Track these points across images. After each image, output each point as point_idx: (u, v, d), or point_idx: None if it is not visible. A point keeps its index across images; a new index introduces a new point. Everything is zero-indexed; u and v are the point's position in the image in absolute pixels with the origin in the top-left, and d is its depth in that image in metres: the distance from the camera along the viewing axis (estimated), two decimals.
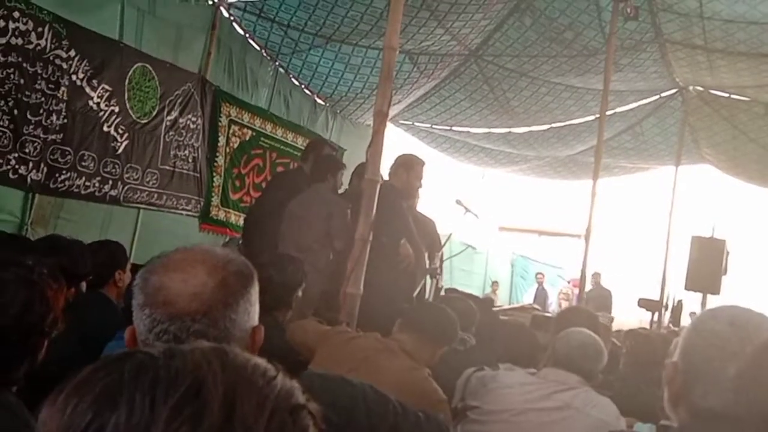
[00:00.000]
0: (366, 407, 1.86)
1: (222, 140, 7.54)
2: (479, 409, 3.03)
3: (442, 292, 5.67)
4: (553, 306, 15.90)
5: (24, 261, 1.91)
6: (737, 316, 1.50)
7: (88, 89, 5.78)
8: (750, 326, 1.46)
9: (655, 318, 10.84)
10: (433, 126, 11.36)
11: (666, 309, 11.02)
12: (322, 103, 9.44)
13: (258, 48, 8.14)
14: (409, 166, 5.40)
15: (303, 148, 8.13)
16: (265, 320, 1.51)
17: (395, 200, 5.03)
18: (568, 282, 16.91)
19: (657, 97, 10.57)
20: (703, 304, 11.94)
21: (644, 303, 11.30)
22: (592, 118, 10.37)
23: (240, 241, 6.83)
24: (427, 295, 5.05)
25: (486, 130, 11.32)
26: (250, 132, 7.94)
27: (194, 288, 1.37)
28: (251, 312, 1.43)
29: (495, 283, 16.86)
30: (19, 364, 1.76)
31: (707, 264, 10.66)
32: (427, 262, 5.29)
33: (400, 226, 4.99)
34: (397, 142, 13.94)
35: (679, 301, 11.63)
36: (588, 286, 11.33)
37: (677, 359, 1.53)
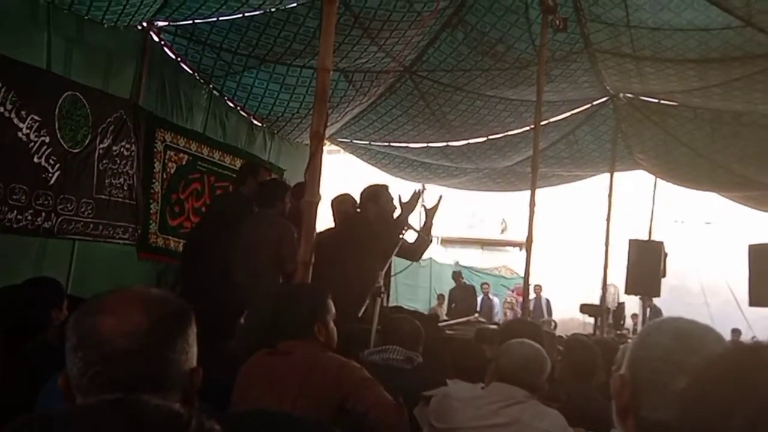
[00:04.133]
0: None
1: (158, 166, 7.42)
2: (432, 427, 3.02)
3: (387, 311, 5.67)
4: (499, 315, 16.10)
5: None
6: (682, 329, 1.52)
7: (16, 120, 5.62)
8: (694, 339, 1.48)
9: (598, 323, 11.01)
10: (372, 143, 11.38)
11: (608, 313, 11.20)
12: (259, 124, 9.37)
13: (191, 71, 8.04)
14: (375, 197, 5.52)
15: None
16: (209, 352, 1.48)
17: (363, 232, 5.33)
18: (512, 291, 17.11)
19: (589, 105, 10.76)
20: (643, 306, 12.21)
21: (586, 309, 11.50)
22: (527, 128, 10.51)
23: (179, 268, 6.73)
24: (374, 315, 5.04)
25: (424, 144, 11.37)
26: (186, 156, 7.83)
27: (129, 328, 1.33)
28: (189, 353, 1.40)
29: (441, 296, 16.94)
30: None
31: (646, 267, 10.90)
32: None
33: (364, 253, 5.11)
34: (335, 162, 14.00)
35: (619, 305, 11.87)
36: (531, 295, 11.50)
37: (624, 372, 1.54)
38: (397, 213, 5.53)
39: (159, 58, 7.52)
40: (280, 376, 2.69)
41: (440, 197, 5.87)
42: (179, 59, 7.85)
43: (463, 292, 15.95)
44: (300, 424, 1.76)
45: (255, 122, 9.29)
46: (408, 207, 5.47)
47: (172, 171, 7.64)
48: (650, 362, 1.50)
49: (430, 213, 5.74)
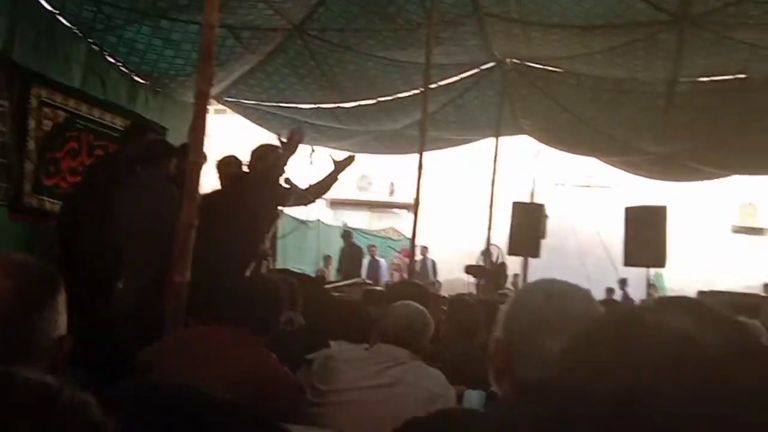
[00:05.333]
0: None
1: (32, 123, 7.06)
2: (315, 389, 3.03)
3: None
4: (386, 277, 16.29)
5: None
6: (552, 290, 1.57)
7: None
8: (565, 299, 1.53)
9: (481, 283, 11.29)
10: (260, 103, 11.19)
11: (491, 274, 11.50)
12: (142, 81, 9.05)
13: (69, 25, 7.66)
14: (264, 157, 5.38)
15: (122, 128, 7.81)
16: (84, 318, 1.43)
17: (249, 192, 5.08)
18: (399, 253, 17.33)
19: (477, 69, 10.90)
20: (525, 266, 12.63)
21: (471, 269, 11.79)
22: (416, 91, 10.56)
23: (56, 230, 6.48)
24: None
25: (314, 105, 11.28)
26: (63, 114, 7.47)
27: None
28: (58, 319, 1.34)
29: (328, 258, 16.99)
30: None
31: (527, 228, 11.26)
32: None
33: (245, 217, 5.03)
34: (225, 123, 13.73)
35: (500, 264, 12.21)
36: (417, 257, 11.68)
37: (499, 334, 1.58)
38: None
39: (34, 10, 7.12)
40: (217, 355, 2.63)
41: (353, 156, 5.83)
42: (56, 12, 7.45)
43: (352, 253, 16.02)
44: (214, 405, 1.71)
45: (137, 79, 8.96)
46: (289, 147, 5.35)
47: (48, 129, 7.29)
48: (523, 323, 1.54)
49: (338, 166, 5.69)
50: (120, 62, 8.57)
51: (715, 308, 1.02)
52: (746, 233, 19.01)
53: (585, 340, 1.12)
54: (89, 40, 8.00)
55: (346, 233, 16.66)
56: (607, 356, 1.01)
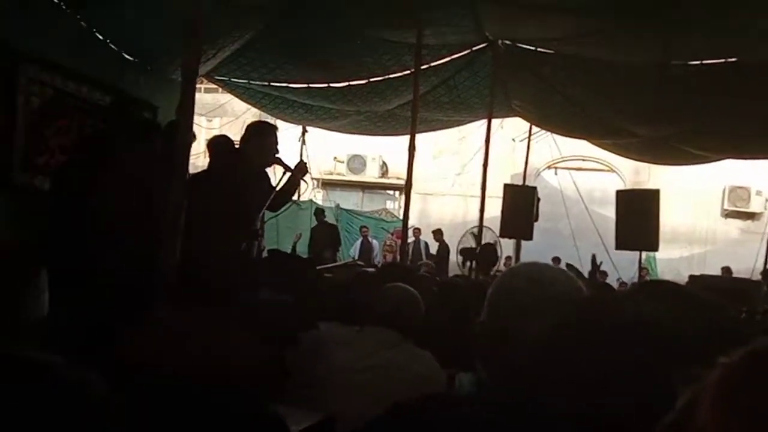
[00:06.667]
0: None
1: (21, 100, 6.97)
2: (305, 370, 2.99)
3: (265, 254, 5.60)
4: (378, 258, 16.28)
5: None
6: (534, 272, 1.57)
7: None
8: (545, 281, 1.52)
9: (473, 265, 11.30)
10: (251, 82, 11.09)
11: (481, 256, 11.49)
12: (131, 58, 8.92)
13: (56, 0, 7.54)
14: (262, 133, 5.33)
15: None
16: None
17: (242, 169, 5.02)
18: (392, 234, 17.31)
19: (468, 51, 10.83)
20: (517, 248, 12.63)
21: (463, 252, 11.81)
22: (407, 72, 10.49)
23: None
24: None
25: (305, 85, 11.19)
26: (51, 91, 7.38)
27: None
28: (40, 298, 1.31)
29: None
30: None
31: (519, 211, 11.26)
32: None
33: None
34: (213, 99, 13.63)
35: (489, 246, 12.21)
36: (410, 239, 11.66)
37: (484, 318, 1.57)
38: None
39: None
40: None
41: (304, 164, 5.74)
42: None
43: (326, 231, 15.54)
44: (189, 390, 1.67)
45: (126, 56, 8.84)
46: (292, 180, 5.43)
47: (36, 106, 7.19)
48: (506, 307, 1.55)
49: (295, 175, 5.66)
50: (108, 39, 8.45)
51: (693, 293, 1.01)
52: (737, 218, 19.02)
53: (558, 330, 1.12)
54: (77, 16, 7.88)
55: (318, 211, 16.16)
56: (574, 346, 1.00)
